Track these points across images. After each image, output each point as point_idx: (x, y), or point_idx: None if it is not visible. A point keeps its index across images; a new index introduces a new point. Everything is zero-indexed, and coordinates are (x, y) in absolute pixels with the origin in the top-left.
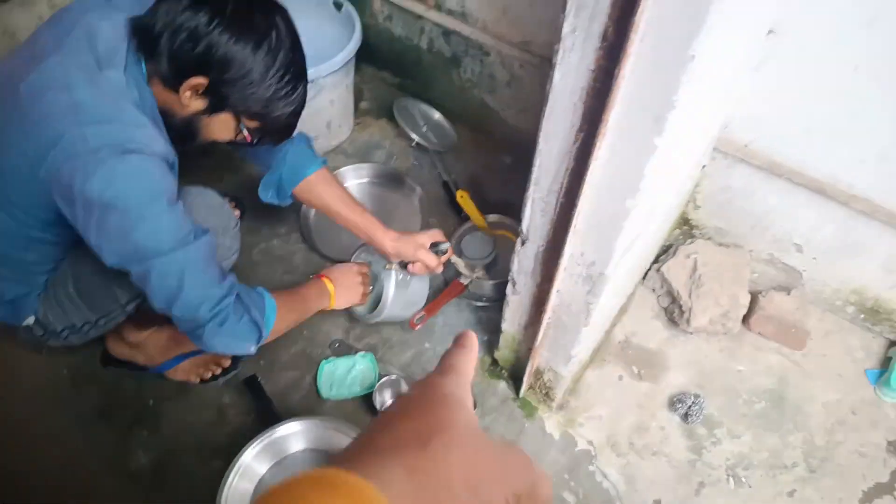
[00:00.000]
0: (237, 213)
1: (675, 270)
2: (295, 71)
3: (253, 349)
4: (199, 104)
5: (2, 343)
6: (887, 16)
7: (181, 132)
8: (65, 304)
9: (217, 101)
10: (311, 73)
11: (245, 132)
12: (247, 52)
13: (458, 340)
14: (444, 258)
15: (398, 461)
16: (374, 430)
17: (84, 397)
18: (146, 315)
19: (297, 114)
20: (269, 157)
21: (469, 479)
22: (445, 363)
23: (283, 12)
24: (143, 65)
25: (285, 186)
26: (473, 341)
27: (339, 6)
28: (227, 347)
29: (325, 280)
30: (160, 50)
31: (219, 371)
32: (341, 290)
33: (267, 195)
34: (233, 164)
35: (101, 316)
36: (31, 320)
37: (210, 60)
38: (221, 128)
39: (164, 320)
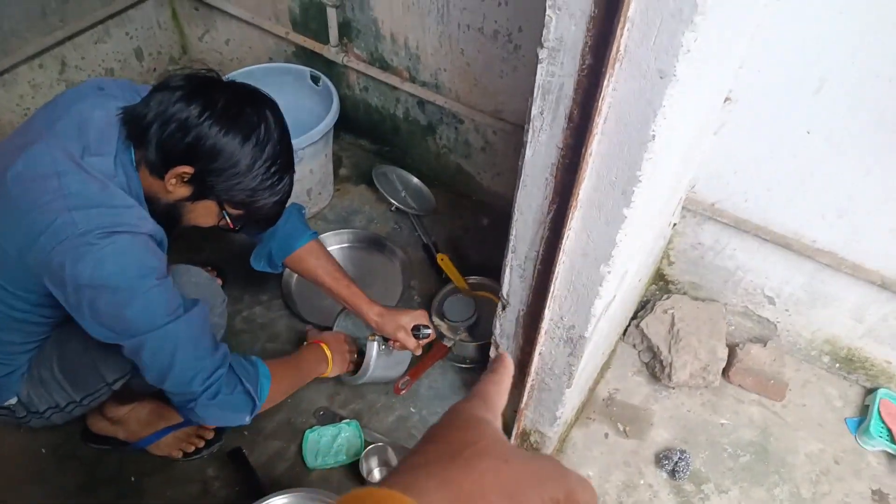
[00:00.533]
0: (219, 280)
1: (654, 326)
2: (282, 163)
3: (248, 419)
4: (183, 191)
5: None
6: (833, 83)
7: (164, 217)
8: (49, 385)
9: (202, 189)
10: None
11: (227, 219)
12: (235, 144)
13: (490, 365)
14: (424, 342)
15: (431, 474)
16: (406, 458)
17: (65, 474)
18: (129, 391)
19: (282, 203)
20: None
21: (503, 485)
22: (473, 389)
23: (273, 106)
24: (133, 152)
25: (276, 258)
26: (506, 365)
27: (316, 80)
28: (220, 419)
29: (324, 346)
30: (149, 138)
31: (202, 444)
32: (336, 356)
33: (259, 265)
34: (212, 232)
35: (87, 395)
36: (13, 401)
37: (198, 151)
38: (204, 214)
39: (145, 396)
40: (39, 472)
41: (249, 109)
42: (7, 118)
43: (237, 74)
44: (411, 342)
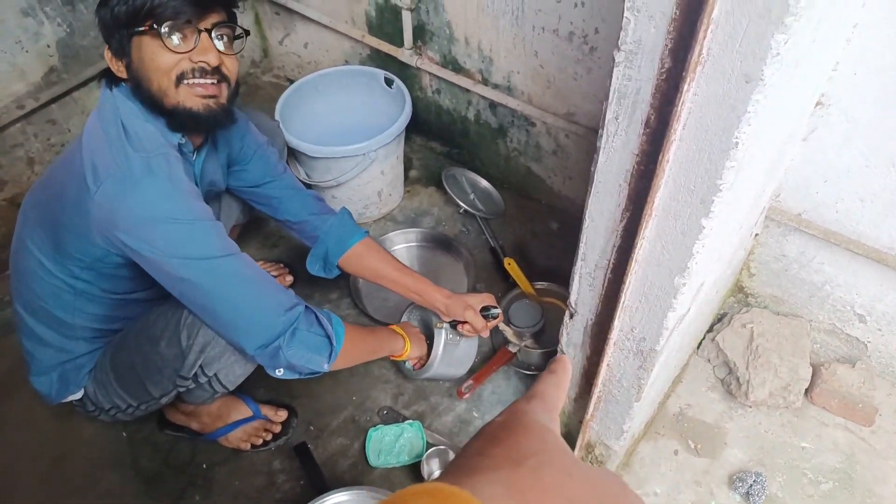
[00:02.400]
0: (290, 279)
1: (731, 340)
2: None
3: (326, 366)
4: (120, 63)
5: (68, 410)
6: None
7: (149, 95)
8: (108, 388)
9: (117, 43)
10: (364, 146)
11: (149, 28)
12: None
13: (549, 366)
14: (492, 323)
15: (496, 480)
16: (466, 455)
17: (141, 459)
18: (190, 402)
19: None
20: (315, 230)
21: (567, 497)
22: (533, 389)
23: None
24: (115, 89)
25: (331, 258)
26: (565, 366)
27: (389, 82)
28: (304, 360)
29: (397, 328)
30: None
31: (269, 437)
32: (414, 340)
33: (314, 268)
34: (283, 236)
35: (141, 403)
36: (79, 395)
37: (102, 32)
38: (143, 57)
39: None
40: (118, 456)
41: None
42: None
43: (314, 77)
44: (480, 322)
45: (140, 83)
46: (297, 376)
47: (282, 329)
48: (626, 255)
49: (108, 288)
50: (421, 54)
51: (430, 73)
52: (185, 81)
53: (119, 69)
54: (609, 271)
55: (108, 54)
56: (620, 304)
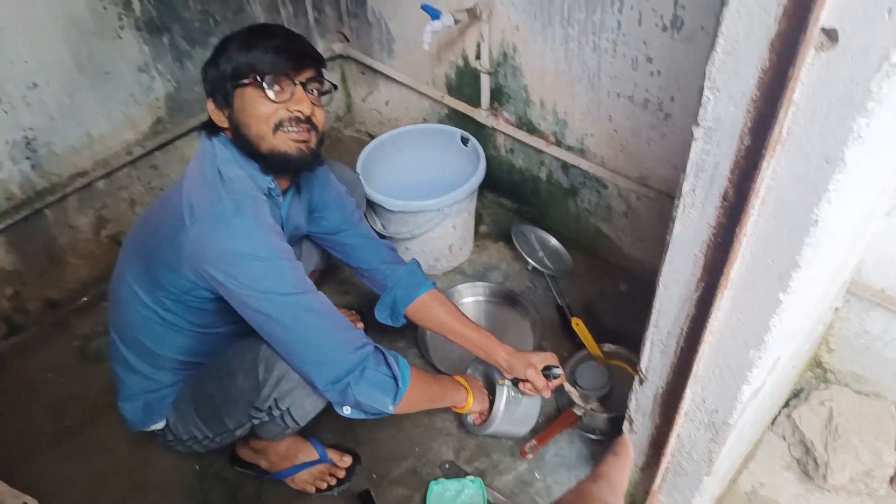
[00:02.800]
0: (361, 325)
1: (809, 418)
2: (242, 43)
3: (391, 407)
4: (222, 114)
5: (146, 440)
6: None
7: (247, 140)
8: (187, 418)
9: (224, 97)
10: (439, 202)
11: (248, 81)
12: (213, 66)
13: (613, 448)
14: (553, 384)
15: None
16: None
17: (210, 493)
18: (262, 437)
19: (275, 50)
20: (385, 279)
21: None
22: (598, 470)
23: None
24: (214, 139)
25: (399, 307)
26: (628, 449)
27: (465, 141)
28: (370, 398)
29: (460, 379)
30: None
31: (334, 482)
32: (477, 394)
33: (382, 316)
34: (356, 283)
35: (216, 434)
36: (160, 425)
37: (205, 84)
38: (245, 106)
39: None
40: (189, 488)
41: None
42: None
43: (394, 133)
44: (541, 381)
45: (240, 130)
46: (363, 416)
47: (351, 366)
48: (700, 325)
49: (194, 320)
50: (497, 115)
51: (504, 133)
52: (282, 129)
53: (220, 119)
54: (682, 340)
55: (211, 106)
56: (693, 374)
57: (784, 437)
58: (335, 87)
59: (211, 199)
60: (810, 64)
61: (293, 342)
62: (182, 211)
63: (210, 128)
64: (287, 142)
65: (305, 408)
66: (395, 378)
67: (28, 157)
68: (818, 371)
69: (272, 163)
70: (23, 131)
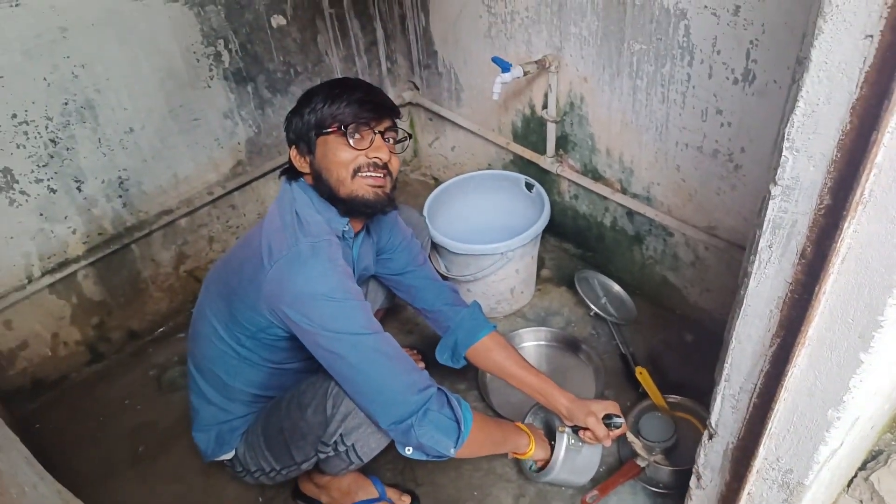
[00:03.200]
0: (422, 365)
1: (889, 482)
2: (326, 95)
3: (453, 451)
4: (304, 161)
5: (215, 469)
6: None
7: (328, 185)
8: (256, 450)
9: (308, 147)
10: (503, 245)
11: (332, 129)
12: (298, 116)
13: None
14: (615, 433)
15: None
16: None
17: None
18: (326, 472)
19: (357, 102)
20: (447, 321)
21: None
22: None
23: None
24: (297, 183)
25: (460, 349)
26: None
27: (530, 187)
28: (433, 441)
29: (522, 426)
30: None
31: None
32: (538, 441)
33: (443, 357)
34: (419, 323)
35: (283, 467)
36: (230, 455)
37: (289, 134)
38: (327, 153)
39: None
40: None
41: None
42: None
43: (461, 179)
44: (602, 430)
45: (321, 175)
46: (424, 457)
47: (415, 408)
48: (775, 382)
49: (267, 357)
50: (562, 162)
51: (569, 180)
52: (360, 174)
53: (302, 165)
54: (755, 396)
55: (293, 152)
56: (767, 432)
57: (861, 502)
58: (410, 135)
59: (289, 241)
60: (893, 128)
61: (360, 382)
62: (262, 252)
63: (290, 173)
64: (364, 186)
65: (370, 445)
66: (457, 421)
67: (120, 196)
68: None
69: (350, 206)
70: (118, 172)
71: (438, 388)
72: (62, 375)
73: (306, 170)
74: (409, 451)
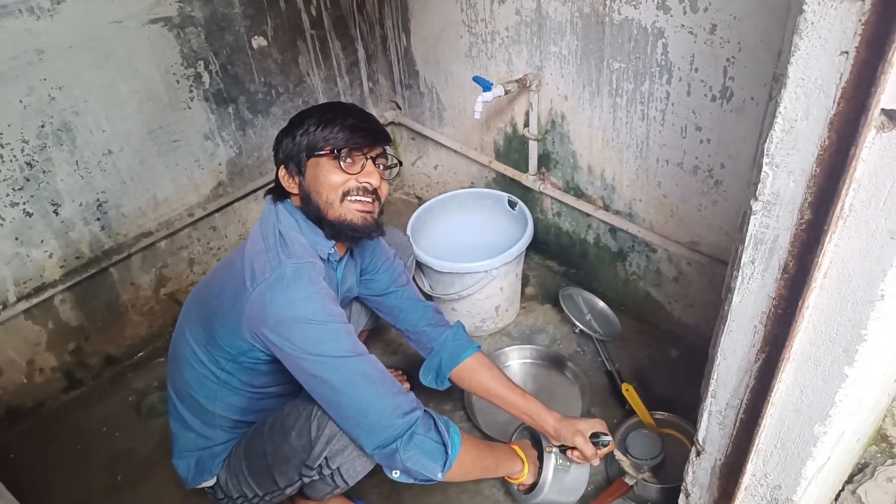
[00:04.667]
0: (407, 385)
1: (875, 495)
2: (320, 118)
3: (440, 475)
4: (293, 181)
5: (195, 497)
6: None
7: (316, 207)
8: (239, 476)
9: (297, 168)
10: (487, 264)
11: (324, 152)
12: (289, 137)
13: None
14: (602, 452)
15: None
16: None
17: None
18: (310, 497)
19: (350, 128)
20: (430, 342)
21: None
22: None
23: (325, 105)
24: (283, 203)
25: (444, 370)
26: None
27: (513, 205)
28: (419, 465)
29: (517, 448)
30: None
31: None
32: (531, 462)
33: (427, 379)
34: (403, 343)
35: (266, 493)
36: (211, 482)
37: (278, 155)
38: (317, 175)
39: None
40: None
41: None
42: None
43: (443, 198)
44: (589, 449)
45: (310, 196)
46: (412, 481)
47: (400, 431)
48: (761, 398)
49: (247, 380)
50: (544, 180)
51: (551, 197)
52: (349, 197)
53: (291, 185)
54: (742, 412)
55: (282, 172)
56: (754, 448)
57: None
58: (400, 163)
59: (272, 263)
60: (871, 143)
61: (344, 405)
62: (244, 274)
63: (277, 193)
64: (353, 211)
65: (356, 468)
66: (444, 445)
67: (98, 219)
68: (884, 445)
69: (338, 230)
70: (96, 194)
71: (425, 411)
72: (38, 403)
73: (294, 190)
74: (396, 475)
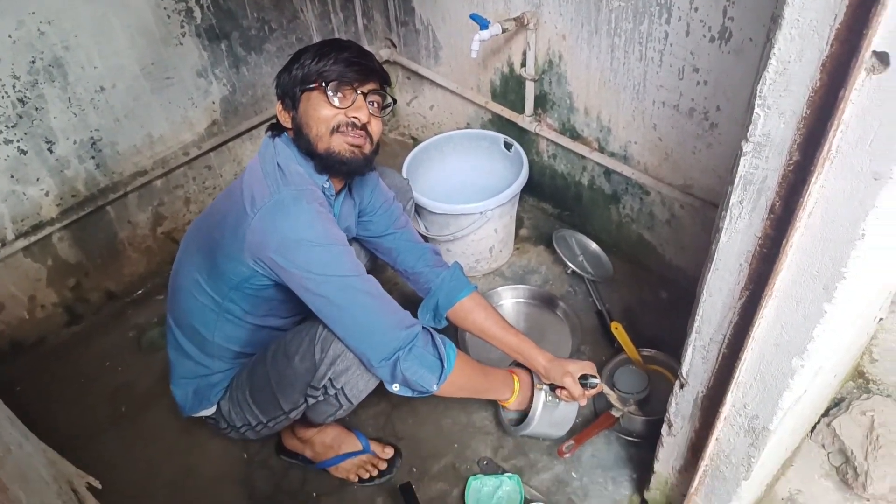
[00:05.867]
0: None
1: (849, 427)
2: (315, 52)
3: (435, 387)
4: (287, 115)
5: (197, 426)
6: None
7: (307, 139)
8: (242, 405)
9: (290, 100)
10: (482, 205)
11: (314, 86)
12: (286, 72)
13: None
14: (590, 392)
15: None
16: None
17: (257, 481)
18: (311, 421)
19: (344, 61)
20: (427, 282)
21: None
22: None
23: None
24: (281, 138)
25: (441, 310)
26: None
27: (509, 146)
28: (416, 375)
29: (515, 377)
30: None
31: (376, 473)
32: (522, 390)
33: (424, 318)
34: (398, 283)
35: (270, 419)
36: (211, 411)
37: (278, 88)
38: (308, 109)
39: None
40: (236, 474)
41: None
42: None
43: (439, 138)
44: (577, 390)
45: (301, 130)
46: (410, 393)
47: (402, 343)
48: (742, 333)
49: (248, 309)
50: (540, 121)
51: (547, 139)
52: (338, 131)
53: (286, 119)
54: (724, 346)
55: (279, 107)
56: (734, 380)
57: (823, 446)
58: (395, 101)
59: (271, 189)
60: (861, 85)
61: (349, 322)
62: (244, 201)
63: (275, 128)
64: (342, 144)
65: (359, 386)
66: (440, 359)
67: (93, 157)
68: (860, 381)
69: (326, 163)
70: (90, 132)
71: (423, 327)
72: (40, 338)
73: (289, 124)
74: (396, 388)
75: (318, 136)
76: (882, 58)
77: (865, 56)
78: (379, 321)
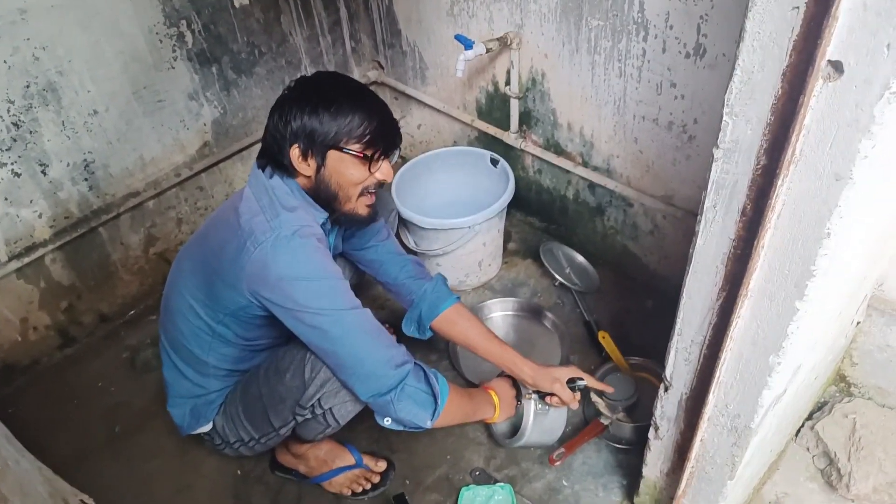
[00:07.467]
0: (394, 338)
1: (832, 430)
2: (354, 109)
3: (429, 423)
4: (307, 165)
5: (192, 444)
6: None
7: (332, 196)
8: (235, 421)
9: (316, 152)
10: (470, 220)
11: (356, 152)
12: (314, 113)
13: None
14: (579, 395)
15: None
16: None
17: (252, 496)
18: (303, 438)
19: (392, 135)
20: (410, 294)
21: None
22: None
23: (329, 75)
24: (281, 177)
25: (424, 321)
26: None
27: (495, 162)
28: (410, 414)
29: (492, 393)
30: (278, 153)
31: (369, 486)
32: (504, 403)
33: (409, 329)
34: (389, 298)
35: (263, 435)
36: (207, 428)
37: (296, 133)
38: (340, 169)
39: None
40: (231, 490)
41: (310, 87)
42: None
43: (427, 156)
44: (567, 394)
45: (327, 186)
46: (401, 428)
47: (393, 382)
48: (721, 333)
49: (241, 334)
50: (525, 137)
51: (532, 155)
52: (365, 193)
53: (304, 168)
54: (705, 347)
55: (295, 152)
56: (715, 380)
57: (808, 449)
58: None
59: (272, 224)
60: (819, 92)
61: (341, 356)
62: (245, 235)
63: (275, 164)
64: (364, 206)
65: (347, 409)
66: (434, 395)
67: (86, 179)
68: (842, 385)
69: (343, 219)
70: (83, 154)
71: (415, 363)
72: (34, 360)
73: (307, 174)
74: (387, 422)
75: (347, 197)
76: (836, 66)
77: (821, 65)
78: (371, 357)
